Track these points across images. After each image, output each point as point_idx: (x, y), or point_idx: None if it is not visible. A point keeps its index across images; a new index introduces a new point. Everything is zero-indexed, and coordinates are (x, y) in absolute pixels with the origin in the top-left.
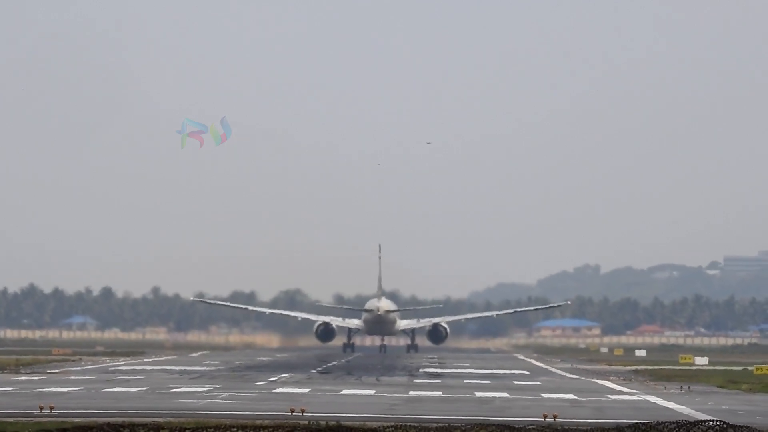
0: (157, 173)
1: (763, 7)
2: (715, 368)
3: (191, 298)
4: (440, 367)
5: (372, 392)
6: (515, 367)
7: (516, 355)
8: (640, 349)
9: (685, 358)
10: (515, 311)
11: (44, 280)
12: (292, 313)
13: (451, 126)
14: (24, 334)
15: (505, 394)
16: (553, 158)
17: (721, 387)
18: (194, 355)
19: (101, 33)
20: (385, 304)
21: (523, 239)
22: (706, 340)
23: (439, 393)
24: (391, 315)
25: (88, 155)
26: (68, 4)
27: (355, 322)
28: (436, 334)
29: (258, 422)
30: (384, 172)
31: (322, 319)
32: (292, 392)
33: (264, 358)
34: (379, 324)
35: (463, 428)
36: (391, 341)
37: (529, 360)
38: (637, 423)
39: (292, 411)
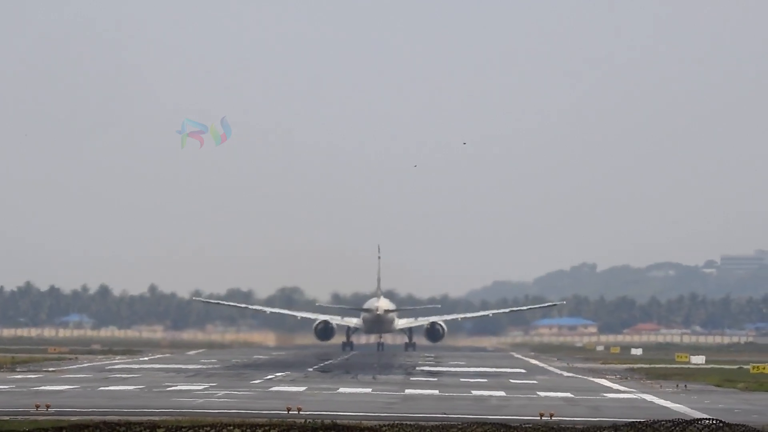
0: (157, 173)
1: (763, 7)
2: (712, 367)
3: (188, 297)
4: (437, 366)
5: (368, 391)
6: (512, 366)
7: (513, 353)
8: (636, 347)
9: (682, 357)
10: (511, 310)
11: (41, 278)
12: (293, 312)
13: (450, 126)
14: (20, 332)
15: (501, 393)
16: (550, 158)
17: (718, 385)
18: (191, 353)
19: (101, 33)
20: (384, 304)
21: (520, 238)
22: (702, 339)
23: (435, 391)
24: (390, 314)
25: (86, 154)
26: (68, 4)
27: (353, 321)
28: (433, 332)
29: (254, 421)
30: (384, 172)
31: (321, 317)
32: (289, 390)
33: (261, 357)
34: (378, 323)
35: (459, 427)
36: (388, 339)
37: (525, 358)
38: (633, 421)
39: (289, 409)
